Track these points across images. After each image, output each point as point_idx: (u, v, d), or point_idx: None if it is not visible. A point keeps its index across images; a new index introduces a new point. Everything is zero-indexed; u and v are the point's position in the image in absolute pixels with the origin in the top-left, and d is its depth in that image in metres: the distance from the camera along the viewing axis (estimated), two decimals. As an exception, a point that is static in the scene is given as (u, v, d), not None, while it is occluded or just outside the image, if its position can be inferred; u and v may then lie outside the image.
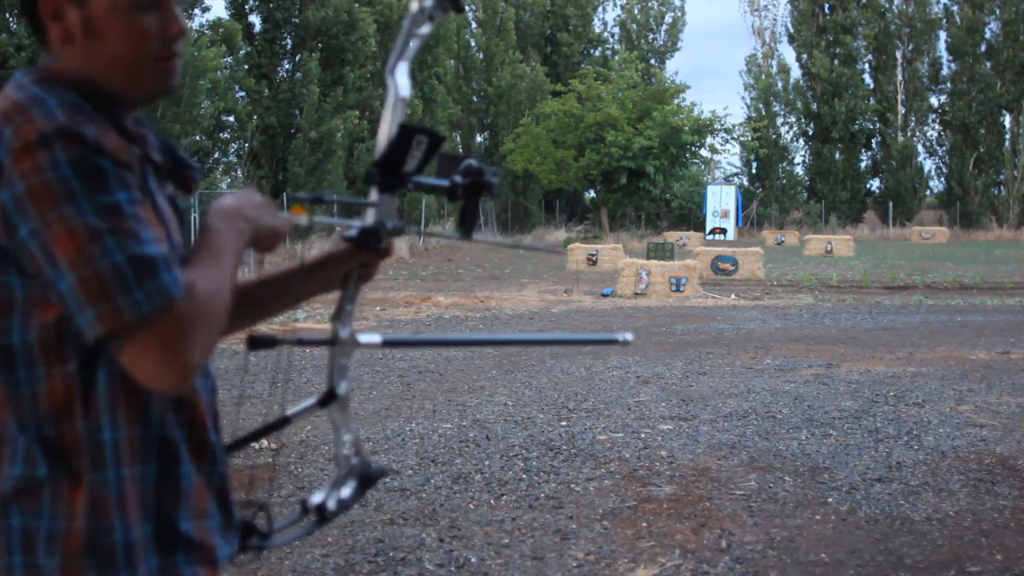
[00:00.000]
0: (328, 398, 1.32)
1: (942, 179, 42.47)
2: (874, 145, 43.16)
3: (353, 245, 1.31)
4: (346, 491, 1.34)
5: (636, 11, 45.75)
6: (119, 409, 1.10)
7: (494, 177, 1.28)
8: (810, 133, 42.85)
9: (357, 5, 26.47)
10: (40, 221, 1.00)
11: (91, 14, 1.11)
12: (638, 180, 32.55)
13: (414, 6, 1.28)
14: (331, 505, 1.32)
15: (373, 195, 1.26)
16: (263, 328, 1.39)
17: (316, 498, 1.32)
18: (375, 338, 1.36)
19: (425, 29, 1.30)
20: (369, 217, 1.29)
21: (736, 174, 43.47)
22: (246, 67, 25.35)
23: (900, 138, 42.06)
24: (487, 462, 4.85)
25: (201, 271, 1.07)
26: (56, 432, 1.08)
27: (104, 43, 1.12)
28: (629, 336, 1.42)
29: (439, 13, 1.29)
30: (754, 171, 42.90)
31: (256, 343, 1.28)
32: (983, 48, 40.57)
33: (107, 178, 1.02)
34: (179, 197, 1.24)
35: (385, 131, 1.25)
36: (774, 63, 44.22)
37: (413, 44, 1.30)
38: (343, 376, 1.33)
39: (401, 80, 1.28)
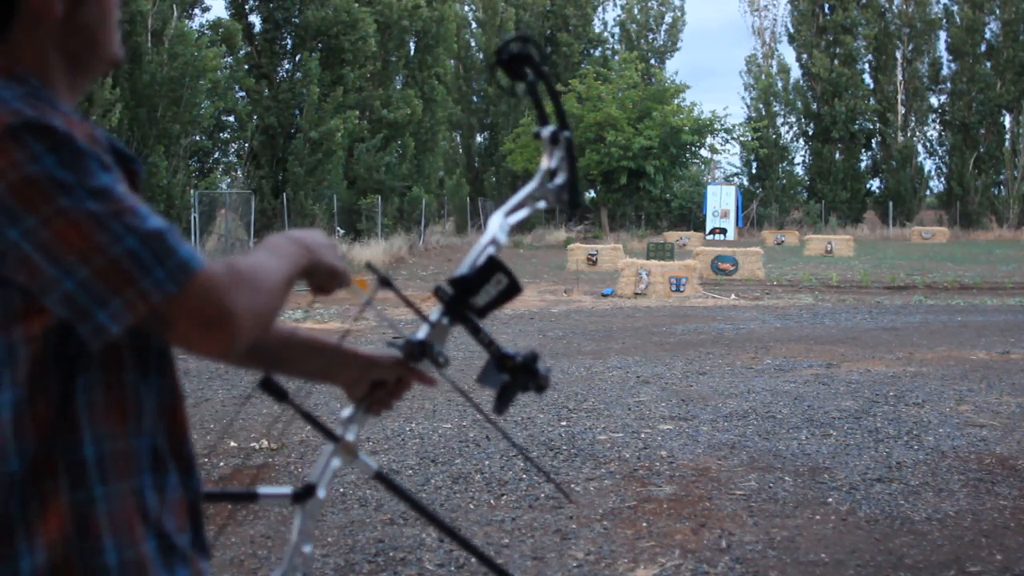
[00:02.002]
0: (306, 492, 1.24)
1: (942, 179, 42.50)
2: (874, 145, 43.17)
3: (394, 357, 1.27)
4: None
5: (636, 11, 45.74)
6: (102, 420, 1.03)
7: (544, 368, 1.24)
8: (810, 133, 42.86)
9: (357, 5, 26.45)
10: (36, 218, 0.93)
11: None
12: (638, 180, 32.55)
13: (544, 164, 1.31)
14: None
15: (434, 313, 1.23)
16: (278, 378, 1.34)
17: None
18: (371, 464, 1.31)
19: (541, 204, 1.33)
20: (420, 333, 1.25)
21: (736, 174, 43.52)
22: (246, 67, 25.34)
23: (900, 138, 42.06)
24: (487, 462, 4.85)
25: (246, 257, 1.04)
26: (32, 457, 1.00)
27: (84, 17, 1.08)
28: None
29: (553, 200, 1.32)
30: (754, 171, 42.91)
31: (267, 387, 1.25)
32: (983, 48, 40.58)
33: (89, 163, 0.97)
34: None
35: (472, 257, 1.23)
36: (774, 63, 44.23)
37: (524, 212, 1.30)
38: (326, 479, 1.26)
39: (498, 227, 1.27)
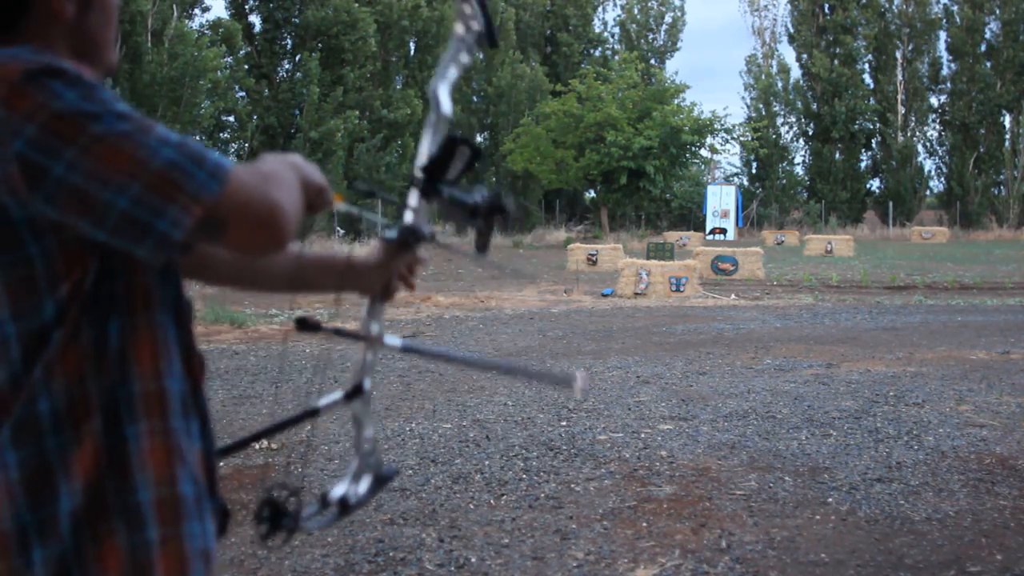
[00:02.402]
0: (355, 392, 1.36)
1: (942, 179, 42.49)
2: (874, 145, 43.17)
3: (392, 247, 1.36)
4: (363, 486, 1.38)
5: (636, 11, 45.73)
6: (135, 363, 1.07)
7: (509, 201, 1.33)
8: (810, 133, 42.85)
9: (357, 5, 26.45)
10: (75, 149, 0.96)
11: None
12: (638, 180, 32.54)
13: (459, 29, 1.36)
14: (351, 499, 1.36)
15: (413, 199, 1.32)
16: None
17: (338, 491, 1.36)
18: (396, 342, 1.42)
19: (466, 59, 1.38)
20: (407, 219, 1.34)
21: (736, 174, 43.51)
22: (246, 67, 25.36)
23: (900, 138, 42.06)
24: (487, 462, 4.85)
25: (261, 162, 1.09)
26: (68, 399, 1.04)
27: (90, 21, 1.14)
28: (580, 383, 1.44)
29: (475, 47, 1.39)
30: (754, 171, 42.91)
31: (303, 326, 1.35)
32: (983, 48, 40.57)
33: (105, 93, 1.01)
34: None
35: (427, 143, 1.32)
36: (774, 63, 44.23)
37: (454, 71, 1.37)
38: (369, 373, 1.38)
39: (444, 99, 1.35)
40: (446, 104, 1.35)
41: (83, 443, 1.03)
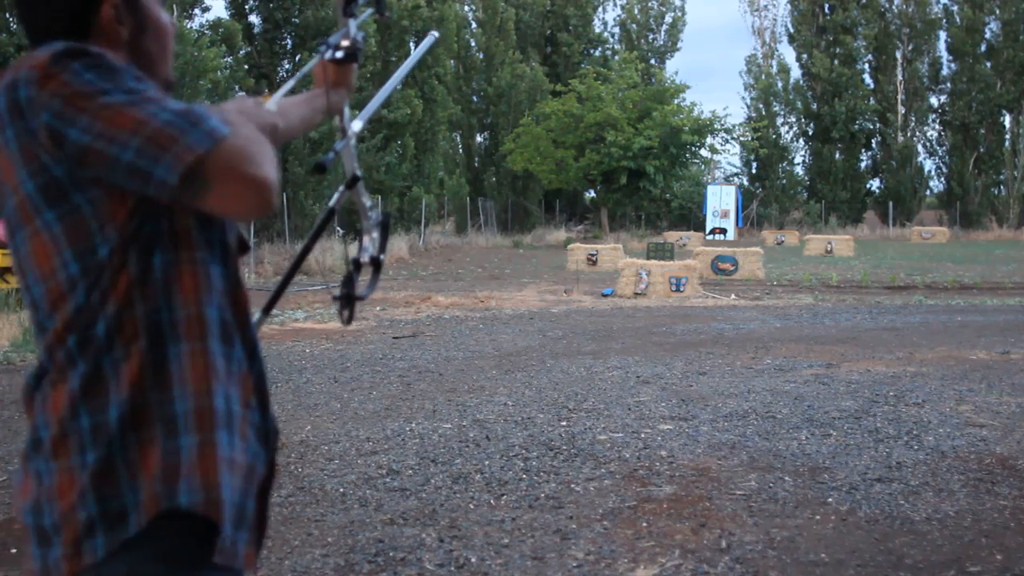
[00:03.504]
0: (353, 181, 1.60)
1: (942, 179, 42.49)
2: (874, 145, 43.16)
3: (339, 66, 1.59)
4: (375, 238, 1.63)
5: (636, 11, 45.73)
6: (177, 291, 1.23)
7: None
8: (810, 133, 42.85)
9: (357, 5, 26.43)
10: (89, 115, 1.13)
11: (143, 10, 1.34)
12: (638, 180, 32.55)
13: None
14: (382, 257, 1.62)
15: (352, 26, 1.55)
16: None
17: (365, 255, 1.60)
18: (358, 125, 1.64)
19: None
20: (345, 41, 1.56)
21: (736, 174, 43.52)
22: (246, 67, 25.34)
23: (900, 138, 42.06)
24: (487, 462, 4.85)
25: (234, 122, 1.19)
26: (118, 320, 1.20)
27: (144, 42, 1.34)
28: (435, 33, 2.03)
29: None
30: (754, 171, 42.91)
31: (318, 168, 1.50)
32: (983, 48, 40.56)
33: (124, 74, 1.17)
34: None
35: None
36: (774, 63, 44.23)
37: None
38: (354, 160, 1.62)
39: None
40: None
41: (130, 359, 1.21)
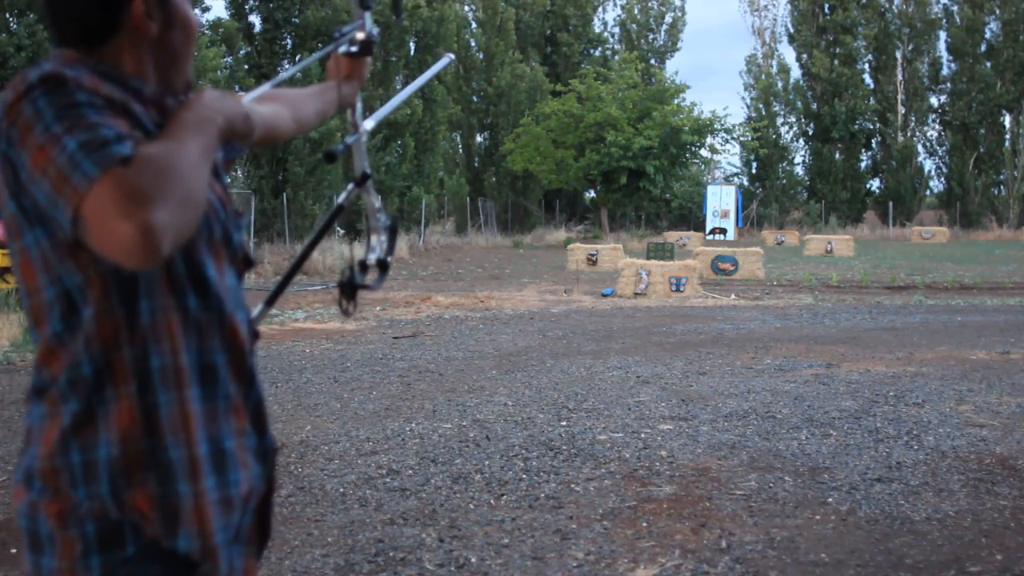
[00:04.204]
0: (363, 179, 1.59)
1: (942, 179, 42.49)
2: (874, 145, 43.16)
3: (352, 60, 1.58)
4: (383, 240, 1.64)
5: (636, 11, 45.73)
6: (164, 338, 1.21)
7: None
8: (810, 133, 42.85)
9: (357, 5, 26.43)
10: (27, 151, 1.09)
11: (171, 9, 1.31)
12: (638, 180, 32.54)
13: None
14: (389, 259, 1.62)
15: (367, 19, 1.55)
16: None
17: (372, 257, 1.61)
18: (370, 123, 1.65)
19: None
20: (360, 34, 1.56)
21: (736, 174, 43.52)
22: (246, 67, 25.33)
23: (900, 138, 42.06)
24: (487, 462, 4.85)
25: (155, 143, 1.10)
26: (106, 362, 1.19)
27: (173, 38, 1.32)
28: (451, 55, 2.06)
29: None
30: (754, 171, 42.91)
31: (328, 157, 1.47)
32: (983, 48, 40.56)
33: (74, 94, 1.10)
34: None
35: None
36: (774, 63, 44.23)
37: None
38: (364, 158, 1.62)
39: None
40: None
41: (120, 402, 1.20)
